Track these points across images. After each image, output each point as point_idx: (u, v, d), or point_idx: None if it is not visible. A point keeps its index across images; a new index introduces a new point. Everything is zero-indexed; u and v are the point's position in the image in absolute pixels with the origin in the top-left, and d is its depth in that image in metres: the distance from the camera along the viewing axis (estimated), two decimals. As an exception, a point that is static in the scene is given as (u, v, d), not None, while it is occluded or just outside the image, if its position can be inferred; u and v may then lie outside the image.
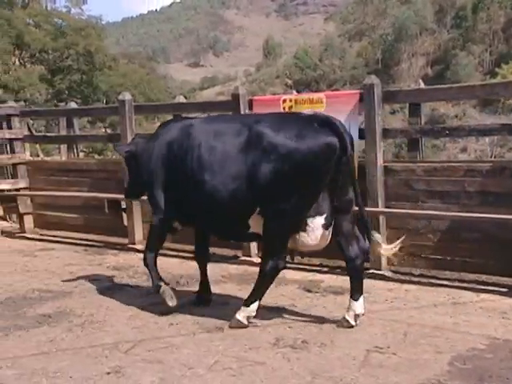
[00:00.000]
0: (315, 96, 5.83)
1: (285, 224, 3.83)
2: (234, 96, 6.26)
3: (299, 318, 4.21)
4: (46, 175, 8.16)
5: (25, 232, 8.14)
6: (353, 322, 3.98)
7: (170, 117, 7.68)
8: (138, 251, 6.74)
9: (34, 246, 7.34)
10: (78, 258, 6.58)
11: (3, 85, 31.36)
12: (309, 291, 4.93)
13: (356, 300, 4.02)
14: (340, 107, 5.55)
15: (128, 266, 6.08)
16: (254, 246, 6.18)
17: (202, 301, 4.62)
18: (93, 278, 5.58)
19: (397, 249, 4.12)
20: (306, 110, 5.62)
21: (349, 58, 70.06)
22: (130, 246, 6.97)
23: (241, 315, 4.05)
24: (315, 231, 3.90)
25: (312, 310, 4.41)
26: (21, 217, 8.27)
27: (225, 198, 3.94)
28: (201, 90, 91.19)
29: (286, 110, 5.93)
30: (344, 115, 5.52)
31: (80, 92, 35.89)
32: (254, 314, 4.05)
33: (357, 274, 4.04)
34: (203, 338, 3.87)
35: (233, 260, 6.19)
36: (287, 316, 4.26)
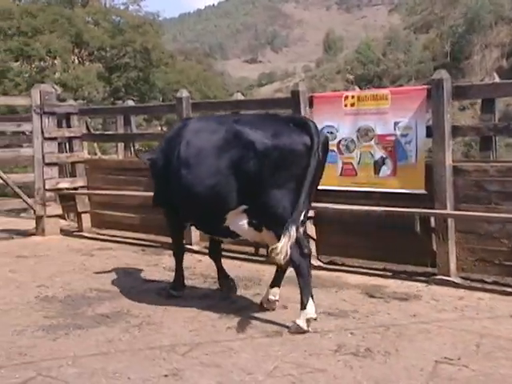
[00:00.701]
0: (379, 92, 5.75)
1: (276, 214, 4.10)
2: (293, 93, 6.25)
3: (361, 325, 4.16)
4: (104, 174, 8.39)
5: (82, 231, 8.41)
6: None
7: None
8: (195, 252, 6.85)
9: (91, 245, 7.58)
10: (135, 258, 6.74)
11: (62, 83, 32.52)
12: (372, 296, 4.87)
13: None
14: (406, 104, 5.46)
15: (184, 267, 6.16)
16: (312, 247, 6.15)
17: (227, 296, 4.94)
18: (150, 279, 5.70)
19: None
20: (370, 107, 5.58)
21: (414, 51, 68.46)
22: (187, 246, 7.00)
23: (300, 320, 4.09)
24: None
25: (375, 316, 4.36)
26: (79, 215, 8.55)
27: (205, 195, 4.30)
28: (258, 86, 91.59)
29: (348, 107, 5.88)
30: (410, 112, 5.43)
31: (137, 89, 36.72)
32: (313, 316, 4.08)
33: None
34: (261, 342, 3.88)
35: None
36: (349, 322, 4.23)
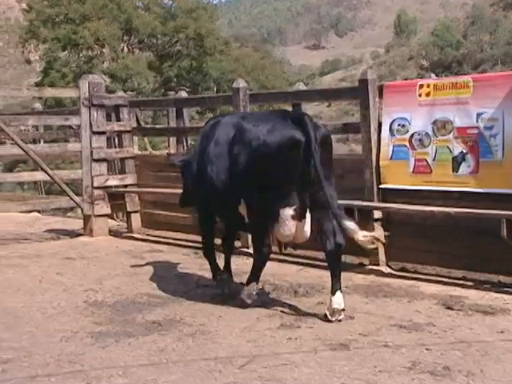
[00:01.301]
0: (459, 80, 5.63)
1: (262, 211, 4.70)
2: (361, 82, 6.19)
3: (439, 340, 4.08)
4: (155, 171, 8.55)
5: (132, 232, 8.59)
6: (330, 318, 4.54)
7: (287, 106, 7.78)
8: (252, 255, 6.89)
9: (141, 246, 7.74)
10: (187, 262, 6.84)
11: (111, 73, 33.26)
12: (450, 308, 4.77)
13: (333, 295, 4.62)
14: (491, 92, 5.31)
15: (240, 271, 6.20)
16: (382, 252, 6.08)
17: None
18: (203, 284, 5.78)
19: (374, 237, 4.74)
20: (448, 96, 5.46)
21: (502, 31, 65.97)
22: (243, 249, 7.09)
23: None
24: (286, 222, 4.65)
25: (455, 330, 4.26)
26: (128, 215, 8.73)
27: (221, 189, 4.97)
28: (321, 75, 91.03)
29: (423, 97, 5.78)
30: (496, 102, 5.27)
31: (189, 80, 37.11)
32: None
33: (333, 266, 4.70)
34: (326, 356, 3.86)
35: (358, 269, 6.15)
36: (424, 336, 4.16)
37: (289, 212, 4.65)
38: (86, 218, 8.52)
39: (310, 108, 20.90)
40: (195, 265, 6.66)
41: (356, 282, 5.64)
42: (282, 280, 5.79)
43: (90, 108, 8.34)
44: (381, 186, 6.11)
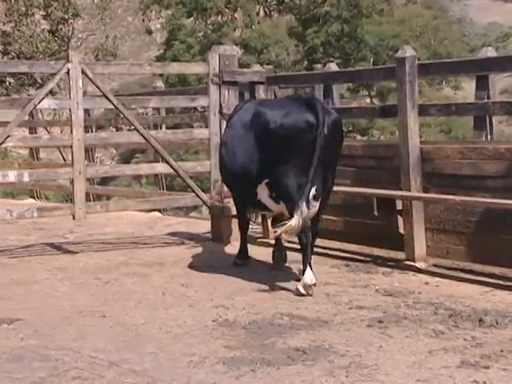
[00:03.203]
0: None
1: (285, 188, 6.28)
2: None
3: None
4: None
5: (269, 236, 8.68)
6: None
7: (468, 78, 7.55)
8: (420, 271, 6.81)
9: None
10: (336, 276, 6.88)
11: (244, 43, 33.78)
12: None
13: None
14: None
15: (406, 291, 6.17)
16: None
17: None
18: (358, 305, 5.77)
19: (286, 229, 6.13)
20: None
21: None
22: (408, 263, 7.05)
23: (300, 285, 6.23)
24: (311, 201, 6.18)
25: None
26: (263, 217, 8.83)
27: (240, 171, 6.68)
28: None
29: None
30: None
31: (339, 49, 36.58)
32: (309, 282, 6.18)
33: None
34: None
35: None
36: None
37: (311, 191, 6.20)
38: (214, 220, 8.77)
39: (499, 81, 19.73)
40: (346, 280, 6.68)
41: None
42: (461, 304, 5.66)
43: (220, 86, 8.58)
44: None
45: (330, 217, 8.05)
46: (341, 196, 7.88)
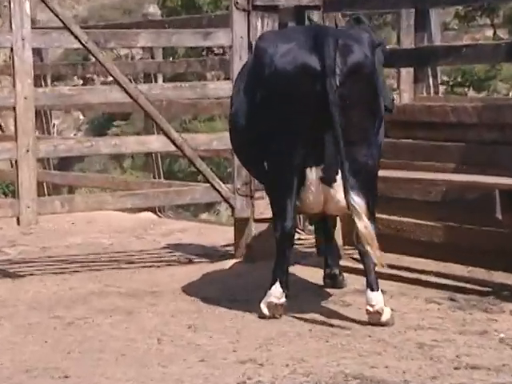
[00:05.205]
0: None
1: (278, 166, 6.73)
2: None
3: None
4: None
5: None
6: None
7: None
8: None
9: (350, 282, 7.84)
10: (434, 316, 6.85)
11: None
12: None
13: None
14: None
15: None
16: None
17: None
18: (471, 364, 5.70)
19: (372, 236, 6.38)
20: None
21: None
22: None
23: (262, 302, 6.73)
24: (311, 186, 6.66)
25: None
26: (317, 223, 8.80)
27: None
28: None
29: None
30: None
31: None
32: (278, 301, 6.73)
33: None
34: None
35: None
36: None
37: (316, 173, 6.62)
38: (240, 225, 8.73)
39: None
40: (451, 323, 6.66)
41: None
42: None
43: (249, 13, 8.60)
44: None
45: (420, 221, 8.16)
46: (439, 188, 7.91)
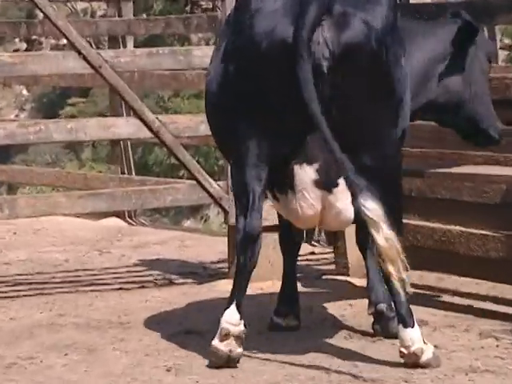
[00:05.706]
0: None
1: (239, 152, 6.57)
2: None
3: None
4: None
5: (348, 270, 8.95)
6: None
7: None
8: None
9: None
10: (493, 354, 6.79)
11: None
12: None
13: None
14: None
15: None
16: None
17: None
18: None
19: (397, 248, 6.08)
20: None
21: None
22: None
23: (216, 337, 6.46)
24: (303, 192, 6.48)
25: None
26: (338, 233, 8.97)
27: None
28: None
29: None
30: None
31: None
32: (234, 329, 6.41)
33: None
34: None
35: None
36: None
37: (309, 173, 6.44)
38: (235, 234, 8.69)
39: None
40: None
41: None
42: None
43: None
44: None
45: (472, 230, 8.14)
46: (497, 187, 7.90)
